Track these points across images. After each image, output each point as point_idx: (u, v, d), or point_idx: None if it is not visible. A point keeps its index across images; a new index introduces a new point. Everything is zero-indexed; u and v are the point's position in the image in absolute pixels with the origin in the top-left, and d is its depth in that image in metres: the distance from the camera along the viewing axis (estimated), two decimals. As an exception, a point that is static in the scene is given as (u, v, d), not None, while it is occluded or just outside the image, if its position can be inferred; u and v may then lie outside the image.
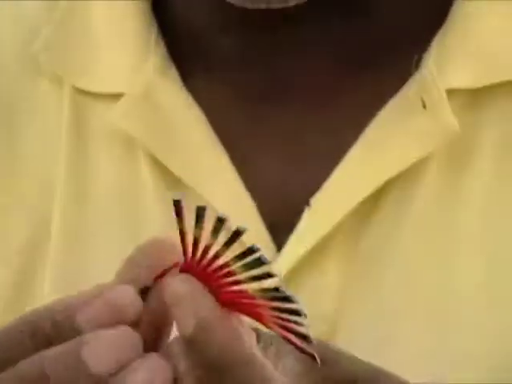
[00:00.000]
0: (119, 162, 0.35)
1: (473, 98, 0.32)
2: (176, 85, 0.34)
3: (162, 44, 0.35)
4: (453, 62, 0.33)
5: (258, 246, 0.17)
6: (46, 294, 0.34)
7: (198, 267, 0.18)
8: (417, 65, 0.32)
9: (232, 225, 0.17)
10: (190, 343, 0.18)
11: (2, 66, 0.36)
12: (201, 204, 0.27)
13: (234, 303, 0.18)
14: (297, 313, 0.17)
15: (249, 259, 0.17)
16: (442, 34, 0.33)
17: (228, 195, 0.33)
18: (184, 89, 0.34)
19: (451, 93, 0.32)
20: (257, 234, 0.31)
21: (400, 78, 0.33)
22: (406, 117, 0.32)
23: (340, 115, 0.33)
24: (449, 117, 0.31)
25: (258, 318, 0.18)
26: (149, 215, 0.34)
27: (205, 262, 0.17)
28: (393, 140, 0.32)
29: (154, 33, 0.35)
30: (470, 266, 0.32)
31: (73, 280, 0.34)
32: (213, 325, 0.18)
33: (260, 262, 0.17)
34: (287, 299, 0.17)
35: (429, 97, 0.32)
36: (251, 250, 0.17)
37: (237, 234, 0.17)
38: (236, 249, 0.17)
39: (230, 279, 0.17)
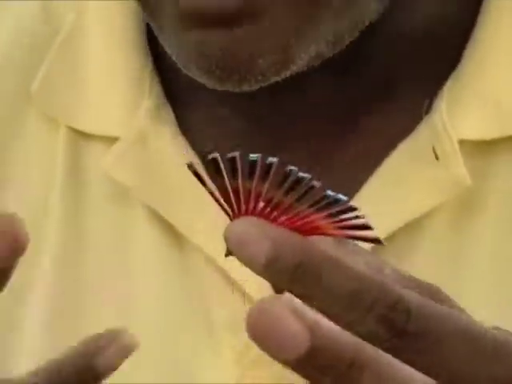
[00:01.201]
0: (115, 209, 0.34)
1: (483, 148, 0.31)
2: (171, 129, 0.33)
3: (157, 82, 0.33)
4: (466, 110, 0.31)
5: (294, 168, 0.16)
6: (33, 336, 0.33)
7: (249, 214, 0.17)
8: (427, 109, 0.31)
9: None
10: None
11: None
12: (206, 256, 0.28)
13: (293, 229, 0.17)
14: (349, 210, 0.17)
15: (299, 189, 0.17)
16: (455, 79, 0.32)
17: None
18: (179, 134, 0.33)
19: (462, 142, 0.31)
20: (261, 286, 0.29)
21: (410, 122, 0.32)
22: (416, 166, 0.31)
23: (346, 161, 0.32)
24: (461, 169, 0.30)
25: (317, 232, 0.17)
26: (144, 268, 0.33)
27: (252, 207, 0.17)
28: (402, 189, 0.31)
29: (148, 72, 0.33)
30: (479, 316, 0.26)
31: (64, 332, 0.33)
32: (291, 240, 0.16)
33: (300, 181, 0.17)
34: (335, 202, 0.17)
35: (441, 147, 0.31)
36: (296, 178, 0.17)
37: (268, 168, 0.16)
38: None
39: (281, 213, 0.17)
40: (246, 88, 0.28)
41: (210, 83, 0.28)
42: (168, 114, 0.33)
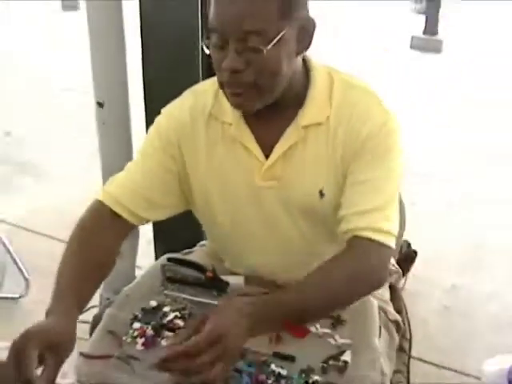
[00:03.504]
0: (230, 147, 1.18)
1: (308, 126, 1.13)
2: (242, 119, 1.16)
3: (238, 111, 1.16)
4: (305, 117, 1.13)
5: None
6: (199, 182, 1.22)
7: None
8: (295, 116, 1.13)
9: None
10: None
11: (196, 119, 1.19)
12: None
13: None
14: None
15: None
16: (303, 108, 1.13)
17: (254, 143, 1.16)
18: (243, 120, 1.16)
19: (304, 126, 1.13)
20: (259, 152, 1.15)
21: (292, 119, 1.14)
22: (293, 132, 1.14)
23: (279, 126, 1.14)
24: (301, 131, 1.13)
25: None
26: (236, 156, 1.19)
27: None
28: (288, 138, 1.14)
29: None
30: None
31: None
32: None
33: None
34: None
35: (298, 127, 1.13)
36: None
37: None
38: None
39: None
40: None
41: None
42: (241, 116, 1.16)
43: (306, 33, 1.04)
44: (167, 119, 1.20)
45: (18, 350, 0.86)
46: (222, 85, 1.06)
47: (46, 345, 0.88)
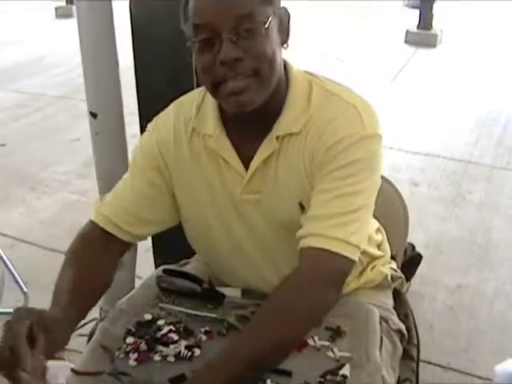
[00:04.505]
0: (212, 160, 1.14)
1: (284, 136, 1.08)
2: (223, 132, 1.11)
3: (220, 121, 1.12)
4: (279, 127, 1.08)
5: None
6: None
7: None
8: (273, 126, 1.09)
9: None
10: None
11: (179, 133, 1.16)
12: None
13: None
14: None
15: None
16: (278, 119, 1.08)
17: (233, 155, 1.11)
18: (224, 132, 1.12)
19: (277, 136, 1.08)
20: (238, 164, 1.11)
21: (268, 131, 1.09)
22: (269, 142, 1.08)
23: (258, 138, 1.09)
24: (275, 143, 1.08)
25: None
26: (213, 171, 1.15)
27: None
28: (266, 147, 1.08)
29: (218, 117, 1.12)
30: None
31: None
32: None
33: None
34: None
35: (273, 137, 1.08)
36: None
37: None
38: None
39: None
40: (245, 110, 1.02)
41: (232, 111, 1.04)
42: (222, 128, 1.12)
43: (284, 23, 1.03)
44: (150, 133, 1.19)
45: (10, 323, 0.85)
46: (216, 87, 1.00)
47: (38, 322, 0.86)
